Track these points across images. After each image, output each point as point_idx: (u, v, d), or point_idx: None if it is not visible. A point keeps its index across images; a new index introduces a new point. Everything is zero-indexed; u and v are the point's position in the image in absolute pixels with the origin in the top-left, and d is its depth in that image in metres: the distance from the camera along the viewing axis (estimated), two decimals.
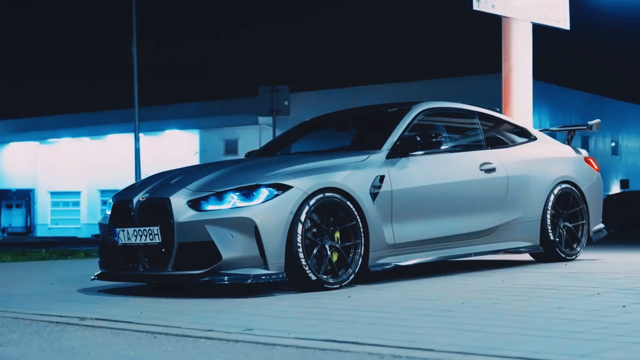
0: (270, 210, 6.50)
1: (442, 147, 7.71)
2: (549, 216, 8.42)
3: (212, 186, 6.69)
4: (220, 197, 6.57)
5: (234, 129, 57.07)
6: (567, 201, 8.68)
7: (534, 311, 5.16)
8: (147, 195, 6.84)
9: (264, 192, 6.55)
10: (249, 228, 6.44)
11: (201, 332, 4.80)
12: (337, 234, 6.83)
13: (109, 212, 7.30)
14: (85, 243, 32.10)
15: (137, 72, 18.07)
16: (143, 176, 18.66)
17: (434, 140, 7.40)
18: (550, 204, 8.45)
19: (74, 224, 58.41)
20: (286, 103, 19.09)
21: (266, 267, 6.48)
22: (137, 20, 18.05)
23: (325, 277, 6.68)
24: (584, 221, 8.79)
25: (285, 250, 6.51)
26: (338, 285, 6.74)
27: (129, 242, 6.81)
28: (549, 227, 8.41)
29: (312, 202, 6.64)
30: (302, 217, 6.57)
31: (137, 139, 17.89)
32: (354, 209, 6.88)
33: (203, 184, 6.75)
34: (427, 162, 7.58)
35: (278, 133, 55.85)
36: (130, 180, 56.88)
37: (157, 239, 6.62)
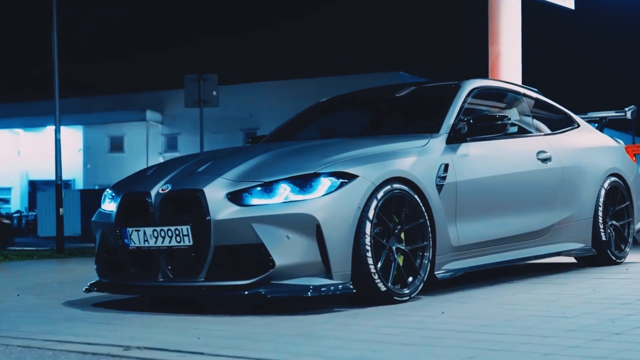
0: (334, 205, 5.21)
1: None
2: (600, 214, 7.36)
3: (256, 175, 5.34)
4: (269, 188, 5.24)
5: (120, 125, 54.95)
6: (615, 197, 7.65)
7: None
8: (170, 186, 5.44)
9: (325, 183, 5.24)
10: (309, 227, 5.13)
11: None
12: (402, 235, 5.59)
13: (108, 208, 5.86)
14: None
15: (57, 60, 16.36)
16: (67, 170, 16.92)
17: (499, 123, 6.22)
18: (601, 199, 7.39)
19: None
20: (214, 93, 17.64)
21: (329, 276, 5.18)
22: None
23: (394, 287, 5.42)
24: (631, 219, 7.78)
25: (351, 254, 5.23)
26: (408, 297, 5.50)
27: (146, 245, 5.41)
28: (601, 226, 7.34)
29: (379, 195, 5.38)
30: (370, 214, 5.30)
31: (57, 130, 16.23)
32: (421, 204, 5.65)
33: (244, 172, 5.40)
34: (486, 149, 6.41)
35: (181, 129, 54.22)
36: (12, 178, 54.37)
37: (187, 241, 5.24)
